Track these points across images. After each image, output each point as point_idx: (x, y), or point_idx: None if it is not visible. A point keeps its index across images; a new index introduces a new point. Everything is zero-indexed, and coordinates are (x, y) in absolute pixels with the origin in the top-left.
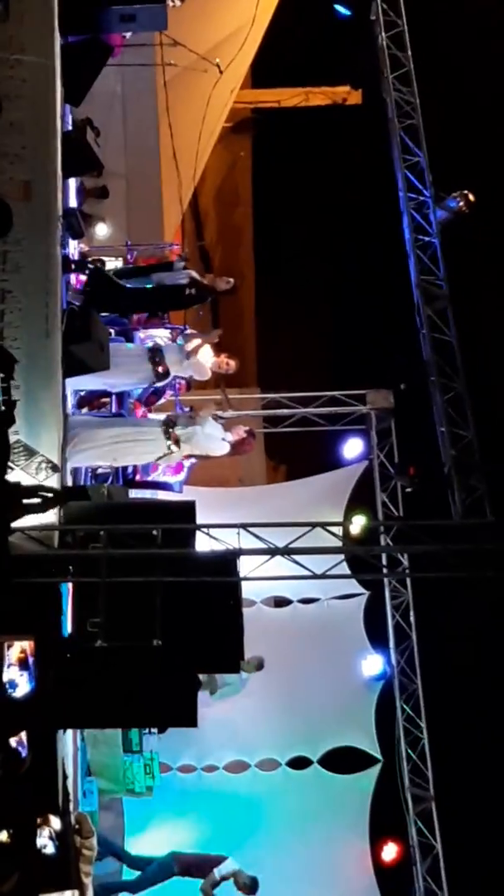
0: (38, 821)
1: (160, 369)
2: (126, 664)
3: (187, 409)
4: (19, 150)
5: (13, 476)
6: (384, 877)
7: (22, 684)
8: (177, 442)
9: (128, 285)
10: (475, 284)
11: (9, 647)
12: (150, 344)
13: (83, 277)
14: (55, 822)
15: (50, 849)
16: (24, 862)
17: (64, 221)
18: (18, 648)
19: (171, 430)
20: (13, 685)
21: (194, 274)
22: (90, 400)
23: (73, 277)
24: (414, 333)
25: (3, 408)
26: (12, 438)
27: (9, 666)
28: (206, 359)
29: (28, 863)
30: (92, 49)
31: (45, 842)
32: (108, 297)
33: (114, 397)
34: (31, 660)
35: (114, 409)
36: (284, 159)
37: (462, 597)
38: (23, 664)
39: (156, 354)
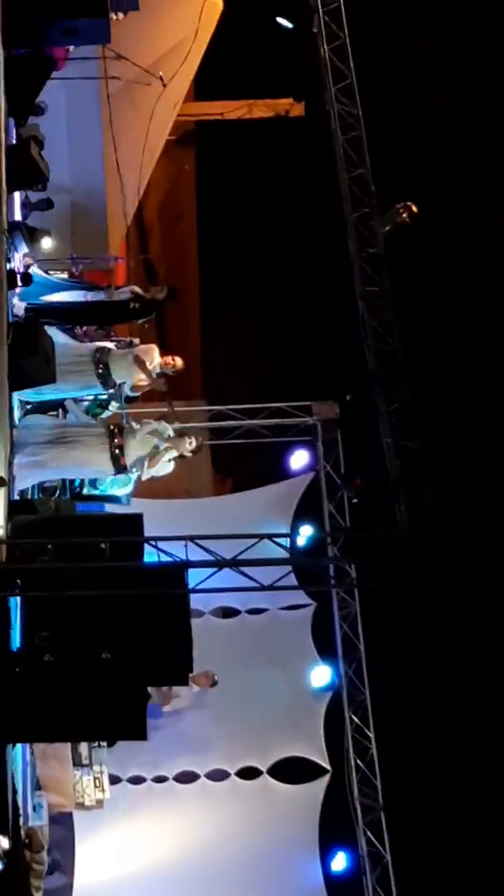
0: None
1: (101, 370)
2: (75, 678)
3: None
4: None
5: None
6: (334, 887)
7: None
8: (120, 448)
9: (69, 299)
10: (419, 295)
11: None
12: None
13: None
14: (3, 842)
15: None
16: None
17: (8, 234)
18: None
19: (115, 436)
20: None
21: (137, 289)
22: (40, 411)
23: (17, 291)
24: (359, 344)
25: None
26: None
27: None
28: (153, 356)
29: None
30: (35, 62)
31: None
32: (50, 311)
33: (60, 410)
34: None
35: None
36: (228, 171)
37: (409, 607)
38: None
39: (100, 354)
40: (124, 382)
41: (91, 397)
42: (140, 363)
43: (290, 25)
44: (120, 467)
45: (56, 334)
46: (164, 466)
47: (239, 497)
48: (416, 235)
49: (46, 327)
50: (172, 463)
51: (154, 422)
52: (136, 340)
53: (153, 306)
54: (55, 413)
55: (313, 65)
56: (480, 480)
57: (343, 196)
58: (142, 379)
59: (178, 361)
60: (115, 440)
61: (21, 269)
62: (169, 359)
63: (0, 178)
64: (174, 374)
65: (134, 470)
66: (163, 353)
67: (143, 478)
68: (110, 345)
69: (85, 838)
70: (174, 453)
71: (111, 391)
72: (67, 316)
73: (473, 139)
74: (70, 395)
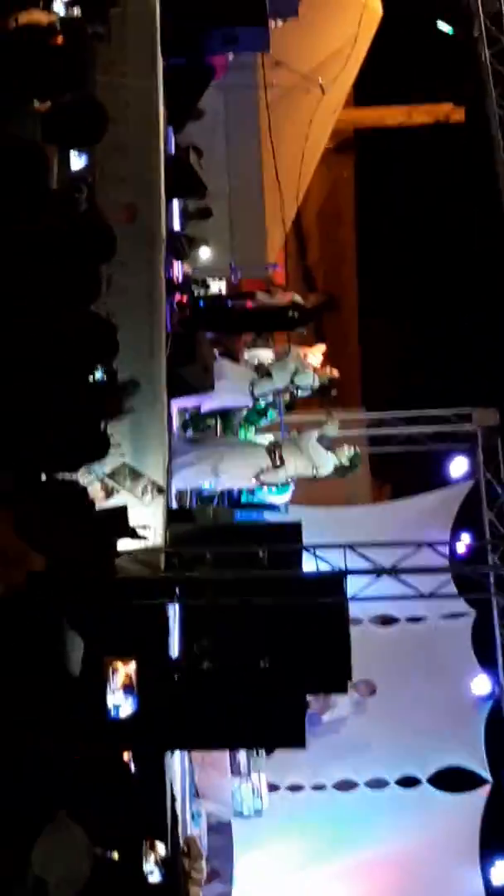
0: (145, 845)
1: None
2: (233, 686)
3: (292, 432)
4: (123, 173)
5: (120, 498)
6: None
7: (126, 707)
8: (282, 461)
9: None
10: None
11: (114, 671)
12: (255, 363)
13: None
14: (161, 848)
15: (156, 876)
16: (128, 888)
17: (168, 243)
18: (124, 674)
19: (275, 451)
20: (117, 708)
21: (297, 297)
22: (195, 422)
23: (177, 299)
24: None
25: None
26: (118, 461)
27: (114, 691)
28: (314, 360)
29: (133, 889)
30: (194, 71)
31: (151, 868)
32: (210, 318)
33: (218, 419)
34: (135, 684)
35: (219, 432)
36: (387, 178)
37: None
38: (127, 689)
39: (260, 370)
40: (284, 385)
41: (250, 405)
42: (301, 359)
43: (450, 30)
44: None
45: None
46: (322, 458)
47: (398, 505)
48: None
49: None
50: (332, 457)
51: (314, 431)
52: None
53: (311, 315)
54: (213, 421)
55: (474, 69)
56: None
57: None
58: (303, 380)
59: (335, 372)
60: (276, 451)
61: (180, 279)
62: (326, 369)
63: (159, 187)
64: (330, 384)
65: (291, 480)
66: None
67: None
68: (269, 354)
69: (244, 846)
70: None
71: (270, 399)
72: (226, 325)
73: None
74: (228, 403)
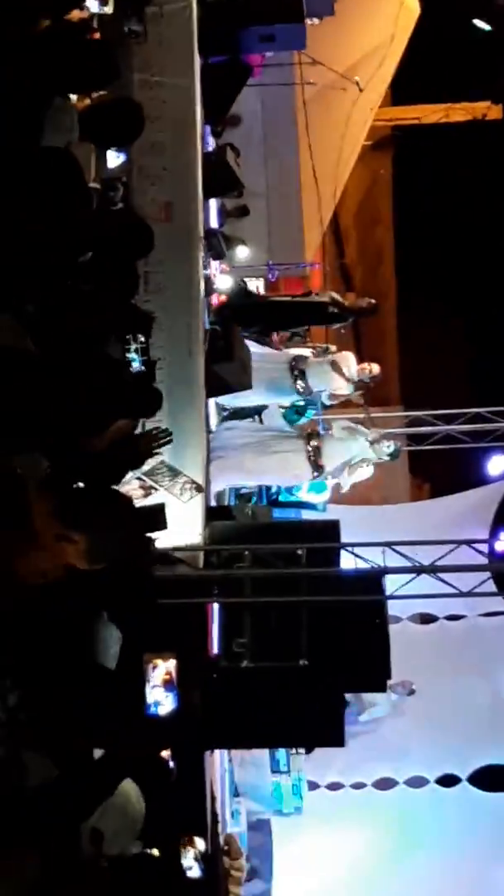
0: (184, 841)
1: (298, 376)
2: (272, 684)
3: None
4: (160, 171)
5: (158, 497)
6: None
7: (166, 704)
8: (317, 450)
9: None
10: None
11: (154, 667)
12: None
13: (224, 297)
14: (200, 844)
15: (195, 871)
16: (167, 883)
17: (205, 242)
18: (164, 670)
19: (312, 438)
20: (157, 704)
21: (335, 294)
22: (237, 418)
23: (214, 297)
24: None
25: (143, 368)
26: (156, 459)
27: (153, 687)
28: (350, 363)
29: (171, 884)
30: (231, 69)
31: (190, 863)
32: (248, 313)
33: (257, 416)
34: (175, 680)
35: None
36: (425, 176)
37: None
38: (168, 685)
39: (297, 361)
40: (322, 390)
41: (288, 404)
42: (337, 369)
43: (487, 28)
44: (319, 469)
45: (252, 343)
46: (363, 472)
47: (436, 503)
48: None
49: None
50: (371, 467)
51: (349, 421)
52: (333, 347)
53: (351, 313)
54: (252, 419)
55: None
56: None
57: None
58: (339, 387)
59: (375, 368)
60: (312, 442)
61: (217, 276)
62: (365, 365)
63: (196, 186)
64: (371, 381)
65: (331, 476)
66: (359, 359)
67: (345, 488)
68: (306, 352)
69: (283, 845)
70: (372, 457)
71: (308, 398)
72: (266, 320)
73: None
74: (267, 401)
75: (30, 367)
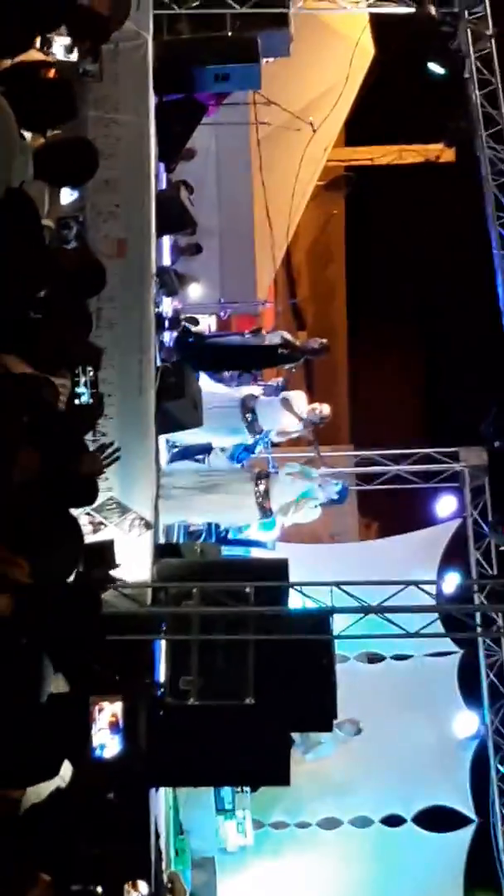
0: (127, 885)
1: (249, 416)
2: (219, 722)
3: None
4: (113, 208)
5: (107, 532)
6: None
7: (112, 746)
8: (266, 493)
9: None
10: None
11: (100, 710)
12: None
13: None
14: (143, 888)
15: None
16: None
17: (158, 279)
18: (110, 713)
19: (260, 479)
20: (103, 747)
21: (287, 335)
22: (186, 454)
23: (166, 335)
24: None
25: (91, 401)
26: (105, 496)
27: (99, 730)
28: (301, 403)
29: None
30: (186, 108)
31: None
32: (198, 355)
33: (205, 454)
34: (121, 723)
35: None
36: (377, 217)
37: None
38: (114, 727)
39: (248, 400)
40: (271, 429)
41: (237, 442)
42: (288, 407)
43: (441, 71)
44: (265, 512)
45: (204, 379)
46: (310, 513)
47: (385, 543)
48: None
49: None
50: (319, 509)
51: (297, 464)
52: (281, 380)
53: (302, 353)
54: (201, 457)
55: (464, 110)
56: None
57: (493, 243)
58: (289, 425)
59: (326, 409)
60: (261, 484)
61: (170, 315)
62: (316, 405)
63: (150, 223)
64: (322, 422)
65: (279, 515)
66: (310, 396)
67: (287, 524)
68: (258, 390)
69: (227, 883)
70: (320, 499)
71: (257, 436)
72: (215, 360)
73: None
74: (216, 438)
75: None
